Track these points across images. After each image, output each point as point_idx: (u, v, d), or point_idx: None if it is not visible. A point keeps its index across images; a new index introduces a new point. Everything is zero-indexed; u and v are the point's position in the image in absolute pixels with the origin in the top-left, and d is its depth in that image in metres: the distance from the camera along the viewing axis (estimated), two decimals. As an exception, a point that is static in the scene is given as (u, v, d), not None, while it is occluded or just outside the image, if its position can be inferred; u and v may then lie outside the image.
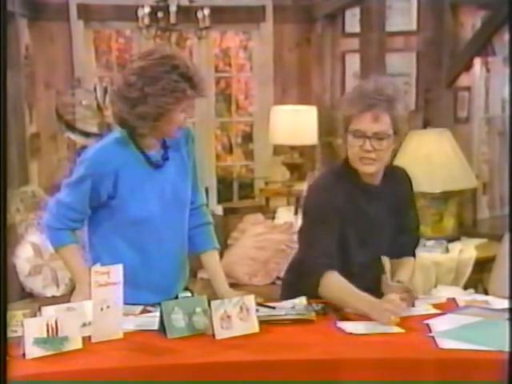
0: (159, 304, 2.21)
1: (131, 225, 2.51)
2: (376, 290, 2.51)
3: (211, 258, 2.74)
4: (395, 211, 2.62)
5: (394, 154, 3.74)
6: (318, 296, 2.45)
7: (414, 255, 2.72)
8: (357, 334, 2.18)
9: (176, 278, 2.65)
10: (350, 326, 2.24)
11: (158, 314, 2.21)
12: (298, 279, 2.57)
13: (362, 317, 2.33)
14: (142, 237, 2.53)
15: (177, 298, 2.45)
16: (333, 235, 2.48)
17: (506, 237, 4.00)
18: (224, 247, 2.88)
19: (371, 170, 2.49)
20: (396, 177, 2.65)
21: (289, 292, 2.64)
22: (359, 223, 2.54)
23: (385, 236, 2.62)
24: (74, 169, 2.53)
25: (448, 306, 2.49)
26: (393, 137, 2.46)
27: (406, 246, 2.69)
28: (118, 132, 2.53)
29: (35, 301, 4.02)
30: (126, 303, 2.23)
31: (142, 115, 2.41)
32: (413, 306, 2.43)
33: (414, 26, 5.45)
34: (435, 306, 2.49)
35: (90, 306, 2.15)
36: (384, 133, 2.43)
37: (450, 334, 2.18)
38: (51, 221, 2.52)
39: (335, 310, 2.39)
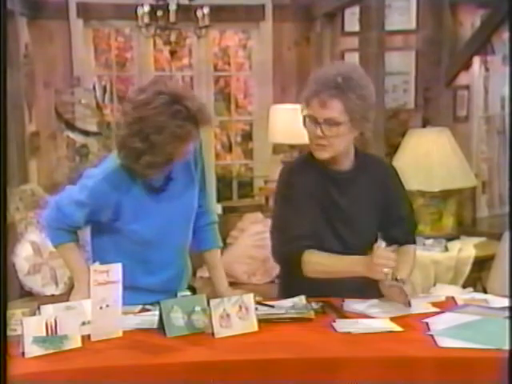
0: (158, 303, 2.21)
1: (134, 243, 2.51)
2: (365, 283, 2.45)
3: (213, 256, 2.74)
4: (377, 201, 2.59)
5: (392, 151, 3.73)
6: (300, 281, 2.45)
7: (413, 242, 2.69)
8: (356, 333, 2.18)
9: (178, 281, 2.65)
10: (348, 325, 2.24)
11: (157, 312, 2.21)
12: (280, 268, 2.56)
13: (361, 315, 2.34)
14: (144, 251, 2.52)
15: (176, 296, 2.45)
16: (305, 216, 2.46)
17: (505, 235, 4.00)
18: (223, 246, 2.87)
19: (324, 155, 2.49)
20: (371, 164, 2.63)
21: (283, 290, 2.64)
22: (330, 212, 2.52)
23: (362, 227, 2.57)
24: (77, 186, 2.47)
25: (447, 305, 2.49)
26: (348, 124, 2.43)
27: (400, 237, 2.63)
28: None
29: (34, 299, 4.03)
30: (125, 304, 2.23)
31: (150, 165, 2.32)
32: (409, 305, 2.40)
33: (413, 25, 5.45)
34: (434, 304, 2.49)
35: (89, 304, 2.15)
36: (334, 119, 2.41)
37: (449, 332, 2.18)
38: (51, 220, 2.52)
39: (334, 309, 2.39)
